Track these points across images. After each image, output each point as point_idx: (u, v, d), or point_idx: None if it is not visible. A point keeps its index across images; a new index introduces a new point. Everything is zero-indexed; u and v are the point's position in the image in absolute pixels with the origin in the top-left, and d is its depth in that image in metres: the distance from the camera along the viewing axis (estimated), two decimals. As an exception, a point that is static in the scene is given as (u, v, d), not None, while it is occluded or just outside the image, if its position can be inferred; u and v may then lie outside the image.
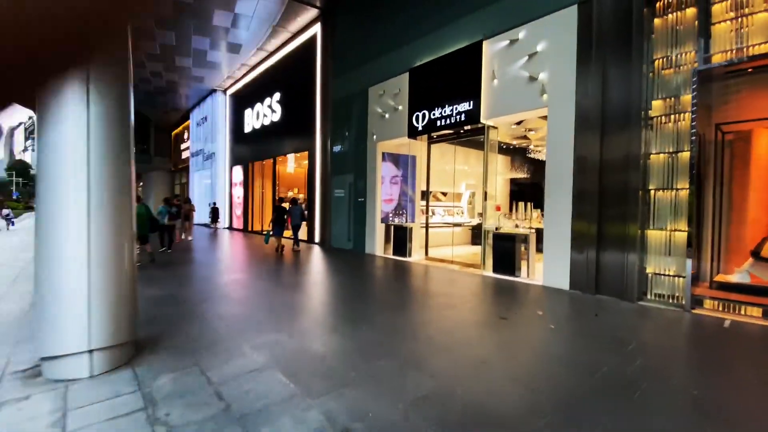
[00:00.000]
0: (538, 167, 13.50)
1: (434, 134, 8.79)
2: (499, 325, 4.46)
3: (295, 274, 7.60)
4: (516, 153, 12.57)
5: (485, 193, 7.84)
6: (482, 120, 7.40)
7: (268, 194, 17.54)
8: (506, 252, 7.12)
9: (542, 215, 10.29)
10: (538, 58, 6.50)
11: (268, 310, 4.88)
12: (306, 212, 12.80)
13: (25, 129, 77.75)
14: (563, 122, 6.15)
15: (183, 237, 13.04)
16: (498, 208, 14.60)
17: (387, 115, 9.69)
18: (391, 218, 10.29)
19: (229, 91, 19.71)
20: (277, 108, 15.07)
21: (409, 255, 9.47)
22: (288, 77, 14.46)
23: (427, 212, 9.43)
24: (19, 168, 59.93)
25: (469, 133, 8.29)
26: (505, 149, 12.33)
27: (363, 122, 10.49)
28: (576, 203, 6.03)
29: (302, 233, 13.98)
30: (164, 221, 9.85)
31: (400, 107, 9.29)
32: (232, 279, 6.86)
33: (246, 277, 7.08)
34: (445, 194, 12.61)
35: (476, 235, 13.48)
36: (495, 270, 7.30)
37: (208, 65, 16.45)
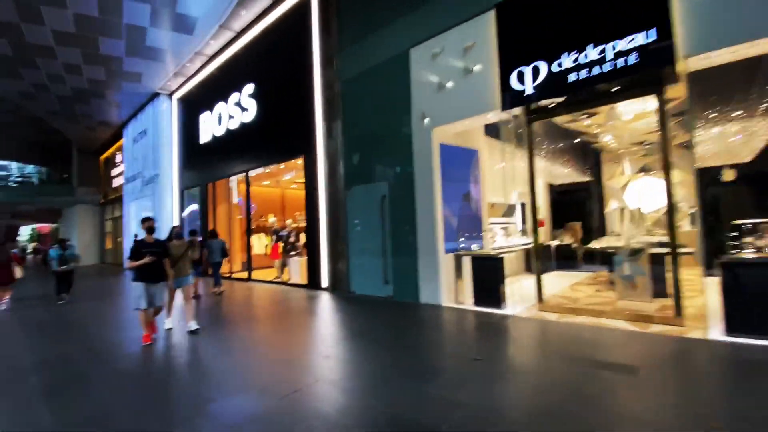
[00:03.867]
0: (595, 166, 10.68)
1: (553, 101, 5.25)
2: None
3: (319, 382, 3.62)
4: (558, 150, 8.94)
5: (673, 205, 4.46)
6: (682, 58, 4.15)
7: (236, 224, 13.14)
8: None
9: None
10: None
11: None
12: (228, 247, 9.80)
13: None
14: None
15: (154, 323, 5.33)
16: (541, 224, 11.54)
17: (450, 84, 6.22)
18: (462, 244, 6.62)
19: (177, 95, 15.28)
20: (251, 104, 11.05)
21: (503, 304, 5.82)
22: (267, 61, 10.56)
23: (536, 232, 5.86)
24: None
25: (628, 90, 4.80)
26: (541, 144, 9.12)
27: (402, 101, 6.91)
28: None
29: (300, 274, 9.84)
30: (55, 267, 8.37)
31: (477, 67, 5.88)
32: (199, 415, 2.75)
33: (232, 403, 3.01)
34: (492, 206, 8.95)
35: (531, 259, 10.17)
36: (738, 331, 3.83)
37: (148, 53, 12.08)
